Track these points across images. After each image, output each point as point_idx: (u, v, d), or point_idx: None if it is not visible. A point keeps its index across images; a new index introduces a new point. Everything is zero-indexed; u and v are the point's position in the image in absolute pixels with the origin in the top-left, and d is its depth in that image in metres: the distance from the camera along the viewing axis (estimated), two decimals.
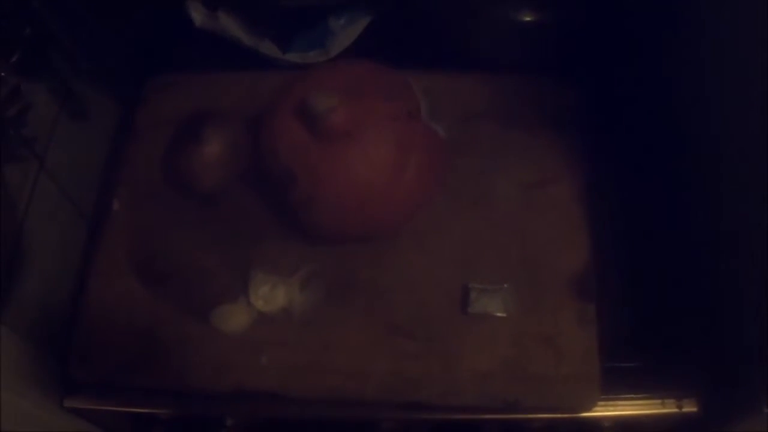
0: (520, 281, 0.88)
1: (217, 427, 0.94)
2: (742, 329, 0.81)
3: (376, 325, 0.88)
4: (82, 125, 1.02)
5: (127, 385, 0.90)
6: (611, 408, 0.86)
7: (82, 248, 1.02)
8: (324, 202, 0.84)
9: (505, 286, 0.87)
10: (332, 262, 0.90)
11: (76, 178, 1.01)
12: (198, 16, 0.97)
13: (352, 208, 0.84)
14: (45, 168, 0.94)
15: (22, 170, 0.91)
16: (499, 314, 0.86)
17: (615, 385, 0.86)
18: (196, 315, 0.89)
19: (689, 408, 0.86)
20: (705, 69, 0.87)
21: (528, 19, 0.98)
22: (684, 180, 0.93)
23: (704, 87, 0.88)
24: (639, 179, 0.96)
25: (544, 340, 0.86)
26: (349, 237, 0.89)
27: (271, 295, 0.88)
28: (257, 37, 1.00)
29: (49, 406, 0.91)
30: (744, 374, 0.80)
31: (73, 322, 0.92)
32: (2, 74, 0.86)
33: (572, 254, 0.90)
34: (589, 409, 0.85)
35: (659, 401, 0.87)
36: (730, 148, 0.82)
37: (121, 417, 0.96)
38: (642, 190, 0.95)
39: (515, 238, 0.91)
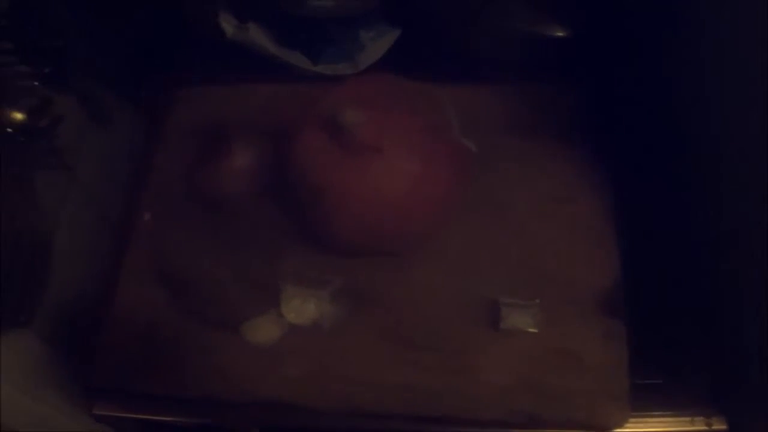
0: (546, 297, 0.87)
1: None
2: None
3: (399, 339, 0.87)
4: (108, 135, 1.02)
5: (152, 395, 0.90)
6: (639, 425, 0.85)
7: (108, 256, 1.02)
8: (351, 216, 0.84)
9: (537, 301, 0.86)
10: (356, 276, 0.90)
11: (102, 186, 1.02)
12: (229, 27, 0.97)
13: (379, 222, 0.84)
14: (73, 177, 0.95)
15: (52, 180, 0.92)
16: (530, 330, 0.85)
17: (642, 402, 0.85)
18: (221, 326, 0.90)
19: (719, 426, 0.85)
20: (706, 70, 0.86)
21: (551, 31, 0.97)
22: (684, 181, 0.92)
23: (705, 87, 0.87)
24: (641, 181, 0.95)
25: (570, 356, 0.85)
26: (374, 251, 0.89)
27: (302, 307, 0.88)
28: (287, 49, 1.00)
29: (74, 413, 0.92)
30: None
31: (98, 329, 0.93)
32: (35, 84, 0.87)
33: (599, 270, 0.89)
34: (618, 427, 0.84)
35: (688, 419, 0.86)
36: (730, 148, 0.82)
37: (147, 425, 0.96)
38: (660, 200, 0.94)
39: (540, 253, 0.90)
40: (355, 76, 1.00)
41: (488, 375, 0.85)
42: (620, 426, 0.84)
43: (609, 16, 0.95)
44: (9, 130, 0.84)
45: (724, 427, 0.85)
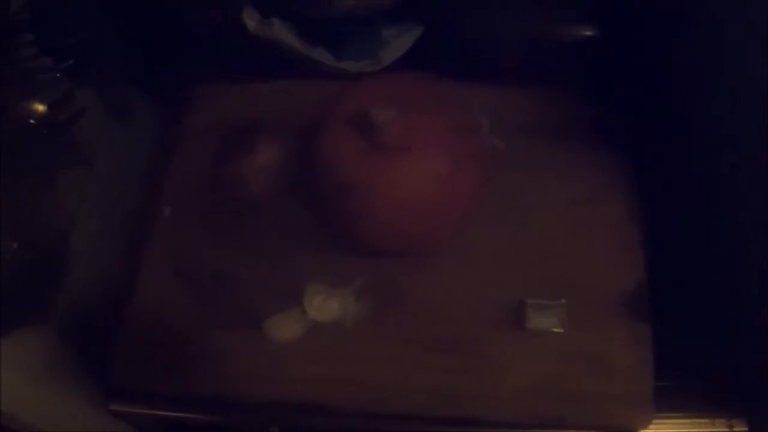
0: (570, 298, 0.87)
1: None
2: None
3: (424, 339, 0.87)
4: (128, 130, 1.02)
5: (171, 392, 0.90)
6: (661, 427, 0.85)
7: (126, 253, 1.01)
8: (378, 214, 0.84)
9: (563, 301, 0.86)
10: (380, 275, 0.90)
11: (120, 183, 1.01)
12: (251, 22, 0.96)
13: (406, 221, 0.84)
14: (92, 172, 0.94)
15: (71, 175, 0.91)
16: (556, 330, 0.85)
17: (664, 404, 0.84)
18: (242, 324, 0.89)
19: (740, 428, 0.86)
20: (729, 71, 0.86)
21: (576, 34, 0.96)
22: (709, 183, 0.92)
23: (729, 89, 0.87)
24: (665, 183, 0.95)
25: (595, 357, 0.85)
26: (399, 250, 0.89)
27: (324, 305, 0.87)
28: (310, 45, 0.99)
29: (91, 409, 0.92)
30: None
31: (117, 326, 0.92)
32: (58, 75, 0.86)
33: (624, 272, 0.89)
34: (643, 428, 0.84)
35: (709, 421, 0.87)
36: (754, 151, 0.81)
37: (165, 422, 0.95)
38: (688, 203, 0.94)
39: (565, 255, 0.90)
40: (384, 74, 0.99)
41: (512, 377, 0.84)
42: (644, 428, 0.84)
43: (635, 18, 0.94)
44: (32, 121, 0.83)
45: (745, 429, 0.85)
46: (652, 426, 0.84)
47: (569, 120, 0.97)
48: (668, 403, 0.85)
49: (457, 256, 0.90)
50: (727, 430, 0.86)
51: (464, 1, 0.96)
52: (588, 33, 0.95)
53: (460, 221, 0.88)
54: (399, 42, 1.01)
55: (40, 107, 0.85)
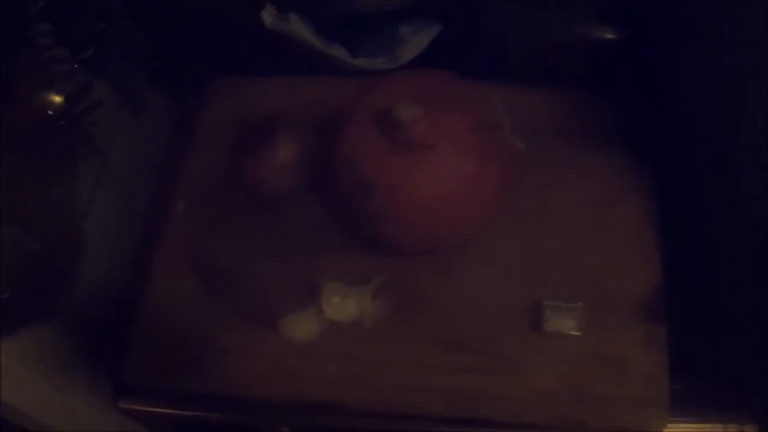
0: (588, 300, 0.87)
1: None
2: None
3: (442, 339, 0.87)
4: (141, 123, 1.01)
5: (183, 390, 0.89)
6: (673, 431, 0.85)
7: (138, 247, 1.00)
8: (400, 213, 0.83)
9: (580, 304, 0.86)
10: (399, 274, 0.89)
11: (134, 176, 1.00)
12: (268, 17, 0.96)
13: (428, 221, 0.83)
14: (106, 164, 0.93)
15: (85, 165, 0.91)
16: (573, 333, 0.85)
17: (676, 407, 0.84)
18: (257, 322, 0.89)
19: None
20: (748, 74, 0.86)
21: (596, 35, 0.96)
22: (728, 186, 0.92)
23: (747, 91, 0.86)
24: (683, 186, 0.95)
25: (611, 360, 0.85)
26: (419, 249, 0.88)
27: (342, 304, 0.87)
28: (327, 42, 0.98)
29: (101, 407, 0.91)
30: None
31: (129, 323, 0.92)
32: (75, 67, 0.84)
33: (641, 275, 0.89)
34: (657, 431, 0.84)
35: (721, 425, 0.86)
36: None
37: (175, 420, 0.94)
38: (705, 206, 0.94)
39: (582, 257, 0.90)
40: (406, 71, 0.99)
41: (530, 378, 0.84)
42: (659, 431, 0.84)
43: (656, 19, 0.94)
44: (50, 112, 0.82)
45: None
46: (664, 429, 0.84)
47: (588, 121, 0.97)
48: (681, 407, 0.85)
49: (477, 257, 0.90)
50: None
51: (482, 1, 0.96)
52: (608, 34, 0.94)
53: (482, 223, 0.87)
54: (416, 40, 1.01)
55: (57, 98, 0.84)
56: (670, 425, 0.84)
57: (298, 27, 0.96)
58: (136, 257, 0.99)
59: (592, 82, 0.98)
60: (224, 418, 0.92)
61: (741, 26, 0.84)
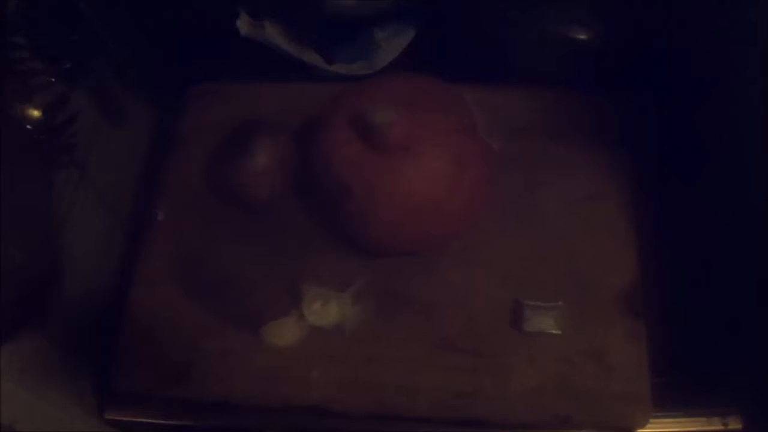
0: (569, 298, 0.88)
1: None
2: None
3: (426, 340, 0.87)
4: (120, 132, 1.01)
5: (169, 397, 0.89)
6: (657, 425, 0.86)
7: (119, 257, 1.00)
8: (378, 215, 0.84)
9: (560, 303, 0.86)
10: (381, 276, 0.90)
11: (113, 185, 1.00)
12: (244, 25, 0.96)
13: (406, 222, 0.84)
14: (85, 175, 0.93)
15: (62, 177, 0.90)
16: (553, 332, 0.85)
17: (660, 402, 0.85)
18: (241, 327, 0.89)
19: (734, 425, 0.86)
20: (736, 76, 0.87)
21: (575, 35, 0.97)
22: (709, 182, 0.93)
23: (734, 92, 0.88)
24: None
25: (594, 356, 0.85)
26: (400, 251, 0.89)
27: (323, 309, 0.87)
28: (302, 48, 0.99)
29: (86, 417, 0.91)
30: None
31: (113, 332, 0.91)
32: (52, 80, 0.85)
33: (620, 271, 0.89)
34: (641, 427, 0.84)
35: (704, 419, 0.87)
36: (757, 153, 0.82)
37: (161, 429, 0.94)
38: (684, 203, 0.95)
39: (563, 254, 0.90)
40: (383, 75, 0.99)
41: (515, 377, 0.85)
42: (642, 426, 0.84)
43: (637, 18, 0.95)
44: (29, 127, 0.82)
45: (739, 426, 0.86)
46: (648, 424, 0.84)
47: (568, 120, 0.97)
48: (664, 401, 0.85)
49: (458, 256, 0.91)
50: (722, 427, 0.86)
51: (459, 3, 0.96)
52: (589, 33, 0.95)
53: (462, 223, 0.88)
54: (392, 45, 1.01)
55: (35, 112, 0.84)
56: (653, 419, 0.84)
57: (273, 34, 0.97)
58: (119, 266, 0.99)
59: (573, 80, 0.98)
60: (210, 424, 0.92)
61: (729, 25, 0.85)
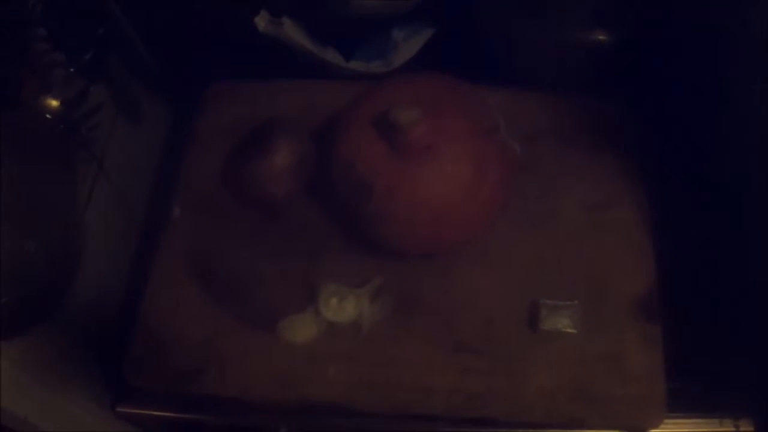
0: (585, 300, 0.87)
1: None
2: None
3: (442, 341, 0.87)
4: (138, 129, 1.01)
5: (184, 394, 0.89)
6: (669, 427, 0.86)
7: (136, 253, 1.01)
8: (398, 216, 0.83)
9: (576, 302, 0.86)
10: (397, 276, 0.90)
11: (130, 181, 1.01)
12: (262, 22, 0.96)
13: (426, 223, 0.84)
14: (103, 170, 0.93)
15: (81, 172, 0.90)
16: (569, 331, 0.85)
17: (672, 404, 0.85)
18: (257, 325, 0.88)
19: (746, 428, 0.86)
20: (747, 78, 0.87)
21: (590, 39, 0.97)
22: (724, 185, 0.93)
23: (747, 95, 0.88)
24: (680, 187, 0.96)
25: (609, 359, 0.85)
26: (418, 252, 0.88)
27: (340, 306, 0.87)
28: (321, 46, 0.99)
29: (99, 411, 0.91)
30: None
31: (129, 328, 0.91)
32: (71, 70, 0.84)
33: (636, 275, 0.89)
34: (654, 428, 0.85)
35: (717, 421, 0.87)
36: None
37: (173, 424, 0.94)
38: (697, 207, 0.95)
39: (579, 258, 0.90)
40: (404, 74, 0.99)
41: (530, 378, 0.85)
42: (657, 426, 0.85)
43: (650, 22, 0.95)
44: (48, 116, 0.82)
45: (751, 429, 0.86)
46: (661, 425, 0.85)
47: (583, 124, 0.97)
48: (677, 403, 0.85)
49: (474, 258, 0.90)
50: (733, 429, 0.86)
51: (477, 4, 0.96)
52: (603, 37, 0.95)
53: (480, 225, 0.88)
54: (410, 43, 1.01)
55: (55, 103, 0.84)
56: (666, 421, 0.85)
57: (292, 31, 0.96)
58: (135, 262, 0.99)
59: (587, 84, 0.98)
60: (223, 420, 0.92)
61: (739, 27, 0.85)
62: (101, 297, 0.94)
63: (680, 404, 0.86)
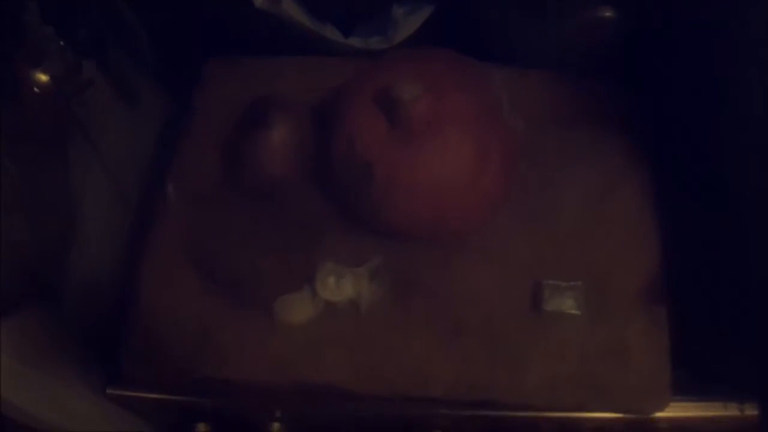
0: (589, 284, 0.86)
1: (265, 420, 0.93)
2: None
3: (442, 326, 0.85)
4: (134, 110, 0.99)
5: (176, 377, 0.88)
6: (673, 411, 0.85)
7: (130, 237, 0.99)
8: (400, 195, 0.81)
9: (579, 283, 0.85)
10: (397, 258, 0.88)
11: (126, 164, 0.99)
12: None
13: (428, 203, 0.82)
14: (97, 151, 0.91)
15: (76, 155, 0.88)
16: (573, 312, 0.84)
17: (677, 387, 0.84)
18: (255, 307, 0.87)
19: (750, 411, 0.85)
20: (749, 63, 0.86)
21: (594, 17, 0.95)
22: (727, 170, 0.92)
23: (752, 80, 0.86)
24: (684, 171, 0.95)
25: (613, 343, 0.84)
26: (419, 234, 0.86)
27: (338, 285, 0.85)
28: (319, 22, 0.97)
29: (92, 395, 0.89)
30: None
31: (124, 312, 0.90)
32: (61, 44, 0.82)
33: (641, 259, 0.88)
34: (659, 412, 0.84)
35: (721, 404, 0.87)
36: None
37: (167, 407, 0.93)
38: (701, 191, 0.93)
39: (583, 243, 0.89)
40: (406, 50, 0.97)
41: (533, 362, 0.84)
42: (661, 411, 0.84)
43: (660, 7, 0.93)
44: (36, 90, 0.80)
45: (755, 412, 0.85)
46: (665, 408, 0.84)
47: (587, 106, 0.96)
48: (680, 387, 0.85)
49: (476, 244, 0.88)
50: (738, 413, 0.86)
51: None
52: (608, 14, 0.93)
53: (483, 207, 0.85)
54: (409, 20, 0.99)
55: (44, 77, 0.82)
56: (670, 404, 0.84)
57: (290, 8, 0.94)
58: (130, 246, 0.97)
59: (592, 65, 0.97)
60: (219, 404, 0.91)
61: (742, 9, 0.84)
62: (95, 281, 0.92)
63: (684, 388, 0.85)
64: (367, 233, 0.88)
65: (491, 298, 0.86)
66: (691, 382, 0.86)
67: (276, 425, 0.92)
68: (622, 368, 0.83)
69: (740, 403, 0.86)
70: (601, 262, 0.88)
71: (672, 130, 0.96)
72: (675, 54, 0.96)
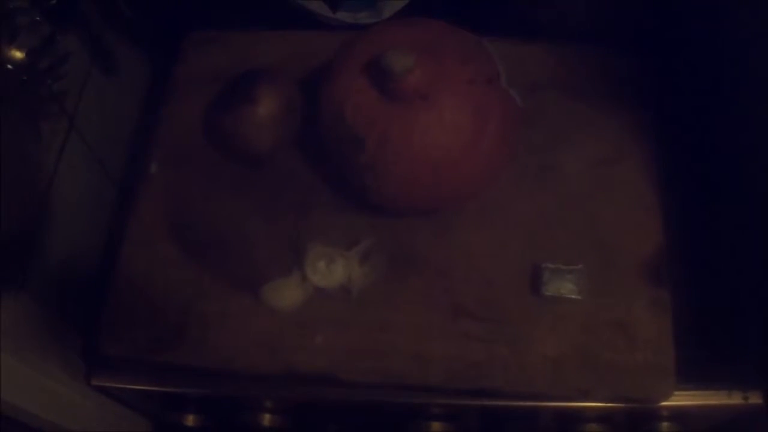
0: (590, 263, 0.83)
1: (255, 409, 0.91)
2: None
3: (439, 306, 0.83)
4: (113, 82, 0.96)
5: (161, 364, 0.84)
6: (677, 398, 0.82)
7: (111, 213, 0.96)
8: (393, 169, 0.78)
9: (580, 266, 0.82)
10: (392, 237, 0.85)
11: (105, 137, 0.95)
12: None
13: (422, 177, 0.79)
14: (75, 126, 0.88)
15: (51, 127, 0.85)
16: (573, 297, 0.81)
17: (681, 375, 0.81)
18: (240, 288, 0.84)
19: (755, 400, 0.83)
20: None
21: None
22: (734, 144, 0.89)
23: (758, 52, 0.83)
24: (688, 145, 0.92)
25: (616, 326, 0.82)
26: (414, 208, 0.84)
27: (328, 269, 0.83)
28: None
29: (74, 384, 0.86)
30: None
31: (102, 293, 0.87)
32: (37, 19, 0.78)
33: (644, 237, 0.86)
34: (664, 400, 0.81)
35: (725, 392, 0.84)
36: None
37: (151, 396, 0.91)
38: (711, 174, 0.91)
39: (584, 218, 0.86)
40: (397, 20, 0.94)
41: (533, 345, 0.81)
42: (665, 399, 0.81)
43: None
44: (9, 66, 0.76)
45: (759, 400, 0.83)
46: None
47: (589, 77, 0.94)
48: (686, 374, 0.82)
49: (473, 217, 0.86)
50: (742, 401, 0.84)
51: None
52: None
53: (480, 180, 0.83)
54: None
55: (18, 54, 0.78)
56: (676, 391, 0.81)
57: None
58: (110, 223, 0.94)
59: (591, 34, 0.95)
60: (204, 392, 0.89)
61: None
62: (74, 262, 0.89)
63: (688, 375, 0.83)
64: (359, 208, 0.86)
65: (490, 275, 0.84)
66: (694, 368, 0.83)
67: (266, 416, 0.90)
68: (625, 350, 0.81)
69: (745, 391, 0.84)
70: (603, 238, 0.86)
71: (679, 103, 0.94)
72: (685, 24, 0.94)
